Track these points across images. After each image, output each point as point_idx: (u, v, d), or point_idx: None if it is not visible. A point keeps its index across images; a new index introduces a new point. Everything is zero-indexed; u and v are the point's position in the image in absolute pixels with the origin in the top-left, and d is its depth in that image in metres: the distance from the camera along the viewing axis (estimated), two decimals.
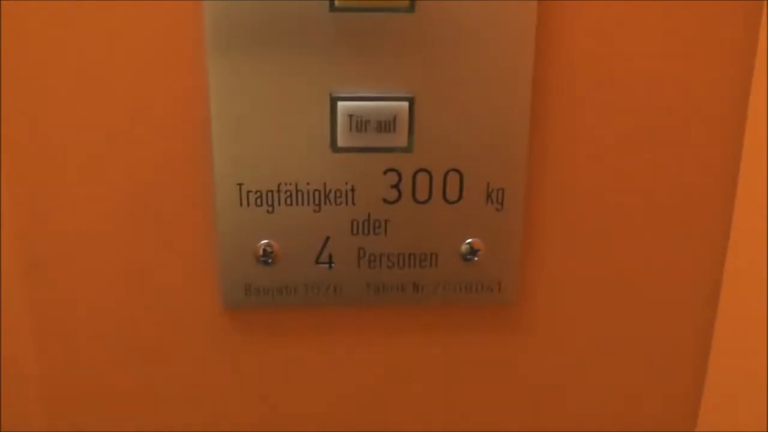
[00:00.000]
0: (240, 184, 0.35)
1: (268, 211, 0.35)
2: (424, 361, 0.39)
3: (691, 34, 0.34)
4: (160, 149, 0.35)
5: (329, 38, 0.33)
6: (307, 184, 0.35)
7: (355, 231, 0.36)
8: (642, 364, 0.40)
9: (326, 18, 0.33)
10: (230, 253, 0.36)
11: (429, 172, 0.35)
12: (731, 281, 0.38)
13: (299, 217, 0.35)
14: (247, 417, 0.40)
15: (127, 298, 0.37)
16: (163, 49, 0.33)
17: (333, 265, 0.36)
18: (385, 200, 0.35)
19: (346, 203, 0.35)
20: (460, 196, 0.35)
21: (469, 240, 0.36)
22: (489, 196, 0.36)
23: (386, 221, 0.36)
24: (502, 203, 0.36)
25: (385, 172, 0.35)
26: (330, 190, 0.35)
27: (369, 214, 0.36)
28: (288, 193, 0.35)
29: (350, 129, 0.34)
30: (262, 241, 0.36)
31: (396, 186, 0.35)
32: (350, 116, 0.34)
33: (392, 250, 0.36)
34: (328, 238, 0.36)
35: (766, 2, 0.34)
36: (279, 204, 0.35)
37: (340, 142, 0.34)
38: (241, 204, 0.35)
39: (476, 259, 0.36)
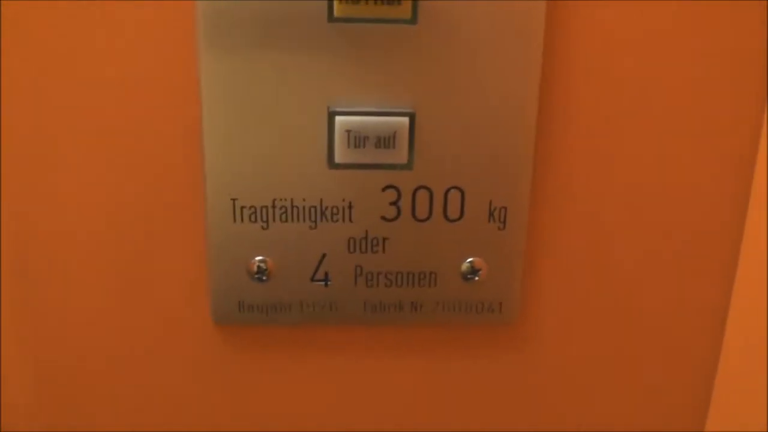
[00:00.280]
0: (234, 200, 0.34)
1: (262, 227, 0.34)
2: (422, 382, 0.38)
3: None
4: (151, 162, 0.34)
5: (327, 50, 0.32)
6: (303, 200, 0.34)
7: (352, 249, 0.35)
8: (645, 384, 0.39)
9: (324, 29, 0.31)
10: (223, 269, 0.35)
11: (429, 190, 0.34)
12: (742, 286, 0.37)
13: (295, 234, 0.34)
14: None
15: (117, 313, 0.36)
16: (154, 59, 0.32)
17: (329, 283, 0.35)
18: (383, 218, 0.34)
19: (344, 220, 0.34)
20: (462, 215, 0.34)
21: (470, 259, 0.35)
22: (491, 214, 0.34)
23: (385, 239, 0.35)
24: (504, 222, 0.34)
25: (383, 189, 0.34)
26: (327, 207, 0.34)
27: (367, 232, 0.34)
28: (283, 209, 0.34)
29: (348, 145, 0.33)
30: (256, 258, 0.35)
31: (395, 203, 0.34)
32: (348, 132, 0.32)
33: (390, 268, 0.35)
34: (324, 256, 0.35)
35: None
36: (274, 220, 0.34)
37: (338, 158, 0.33)
38: (234, 220, 0.34)
39: (477, 278, 0.35)
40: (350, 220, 0.34)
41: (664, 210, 0.36)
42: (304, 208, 0.34)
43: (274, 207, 0.34)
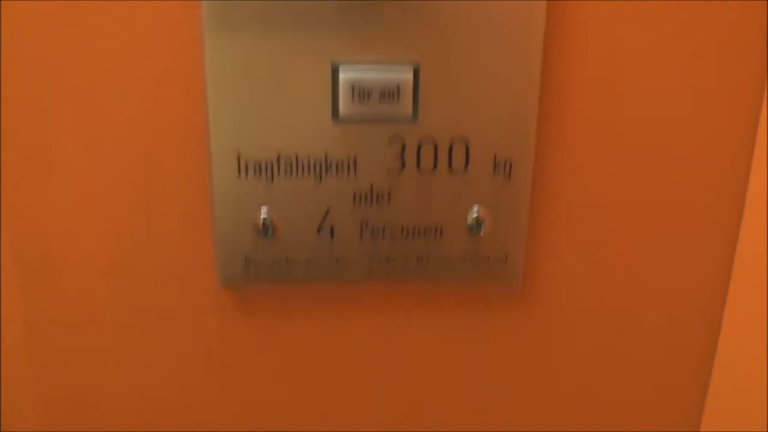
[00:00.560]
0: (238, 154, 0.33)
1: (267, 182, 0.34)
2: (427, 336, 0.38)
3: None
4: (155, 119, 0.34)
5: (331, 3, 0.31)
6: (308, 154, 0.34)
7: (357, 202, 0.35)
8: (649, 340, 0.39)
9: None
10: (228, 225, 0.35)
11: (434, 142, 0.34)
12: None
13: (299, 188, 0.34)
14: (248, 393, 0.39)
15: (122, 275, 0.36)
16: (158, 13, 0.32)
17: (335, 237, 0.35)
18: (388, 171, 0.34)
19: (348, 174, 0.34)
20: (467, 167, 0.34)
21: (475, 212, 0.35)
22: (496, 166, 0.34)
23: (389, 192, 0.34)
24: (509, 174, 0.34)
25: (388, 142, 0.34)
26: (331, 161, 0.34)
27: (372, 186, 0.34)
28: (288, 164, 0.34)
29: (352, 98, 0.32)
30: (262, 213, 0.34)
31: (400, 156, 0.34)
32: (352, 85, 0.32)
33: (396, 222, 0.35)
34: (329, 210, 0.35)
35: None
36: (278, 175, 0.34)
37: (342, 112, 0.33)
38: (239, 175, 0.34)
39: (482, 231, 0.35)
40: (355, 173, 0.34)
41: (671, 160, 0.35)
42: (308, 162, 0.34)
43: (278, 161, 0.34)
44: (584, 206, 0.36)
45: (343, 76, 0.32)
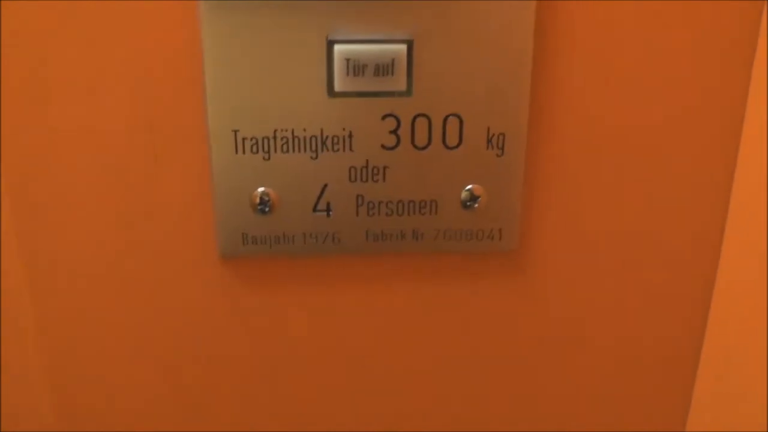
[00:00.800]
0: (235, 131, 0.34)
1: (264, 159, 0.34)
2: (424, 310, 0.39)
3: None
4: (151, 96, 0.34)
5: None
6: (304, 130, 0.34)
7: (353, 178, 0.35)
8: (637, 319, 0.40)
9: None
10: (226, 201, 0.35)
11: (428, 117, 0.34)
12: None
13: (296, 165, 0.35)
14: (246, 366, 0.39)
15: (122, 249, 0.37)
16: None
17: (331, 213, 0.36)
18: (383, 146, 0.35)
19: (344, 149, 0.35)
20: (460, 142, 0.35)
21: (469, 186, 0.36)
22: (489, 141, 0.35)
23: (385, 168, 0.35)
24: (502, 149, 0.35)
25: (383, 118, 0.34)
26: (327, 136, 0.34)
27: (367, 161, 0.35)
28: (284, 140, 0.34)
29: (347, 73, 0.33)
30: (259, 189, 0.35)
31: (395, 131, 0.34)
32: (347, 60, 0.33)
33: (391, 197, 0.36)
34: (325, 186, 0.35)
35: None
36: (275, 151, 0.34)
37: (337, 87, 0.33)
38: (236, 151, 0.34)
39: (477, 206, 0.36)
40: (350, 149, 0.35)
41: (663, 136, 0.36)
42: (304, 138, 0.34)
43: (275, 137, 0.34)
44: (576, 181, 0.37)
45: (338, 50, 0.33)
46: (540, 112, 0.35)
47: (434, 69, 0.33)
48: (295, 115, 0.34)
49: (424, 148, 0.35)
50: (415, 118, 0.34)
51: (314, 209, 0.36)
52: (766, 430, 0.36)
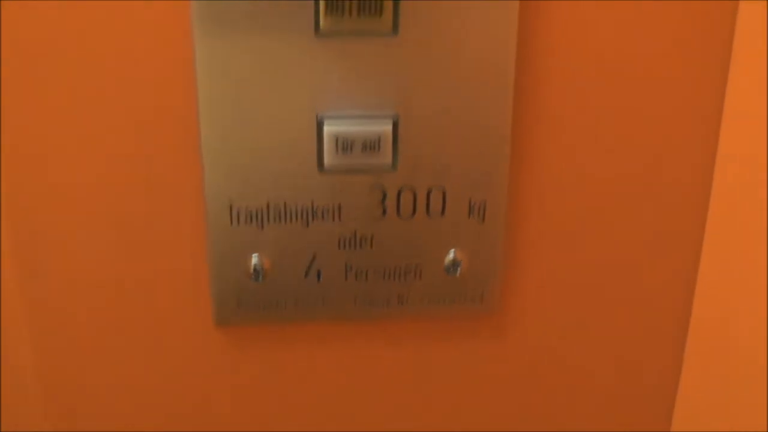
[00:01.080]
0: (231, 203, 0.36)
1: (258, 229, 0.36)
2: (409, 370, 0.40)
3: (666, 34, 0.35)
4: (151, 170, 0.36)
5: (315, 62, 0.34)
6: (296, 202, 0.36)
7: (342, 246, 0.37)
8: (619, 367, 0.42)
9: (312, 42, 0.34)
10: (222, 269, 0.37)
11: (413, 189, 0.36)
12: (705, 283, 0.40)
13: (288, 234, 0.37)
14: (240, 428, 0.41)
15: (120, 315, 0.38)
16: (151, 65, 0.34)
17: (321, 279, 0.37)
18: (370, 217, 0.37)
19: (333, 220, 0.36)
20: (443, 211, 0.37)
21: (452, 253, 0.37)
22: (471, 209, 0.37)
23: (372, 236, 0.37)
24: (483, 217, 0.37)
25: (370, 190, 0.36)
26: (318, 208, 0.36)
27: (355, 231, 0.37)
28: (277, 212, 0.36)
29: (336, 150, 0.35)
30: (253, 258, 0.37)
31: (381, 203, 0.36)
32: (336, 138, 0.35)
33: (378, 264, 0.37)
34: (315, 254, 0.37)
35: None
36: (268, 221, 0.36)
37: (327, 163, 0.35)
38: (231, 222, 0.36)
39: (459, 270, 0.38)
40: (339, 219, 0.36)
41: (638, 197, 0.38)
42: (296, 209, 0.36)
43: (268, 209, 0.36)
44: (556, 240, 0.39)
45: (327, 129, 0.35)
46: (519, 181, 0.37)
47: (418, 144, 0.35)
48: (288, 189, 0.36)
49: (409, 217, 0.37)
50: (400, 190, 0.36)
51: (305, 275, 0.37)
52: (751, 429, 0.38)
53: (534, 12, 0.35)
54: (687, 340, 0.41)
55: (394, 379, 0.41)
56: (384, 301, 0.38)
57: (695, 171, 0.38)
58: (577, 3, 0.35)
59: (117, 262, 0.37)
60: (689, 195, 0.38)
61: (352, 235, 0.37)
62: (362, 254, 0.37)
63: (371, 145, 0.35)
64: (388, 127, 0.35)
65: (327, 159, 0.35)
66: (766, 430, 0.36)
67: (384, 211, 0.37)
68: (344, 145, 0.35)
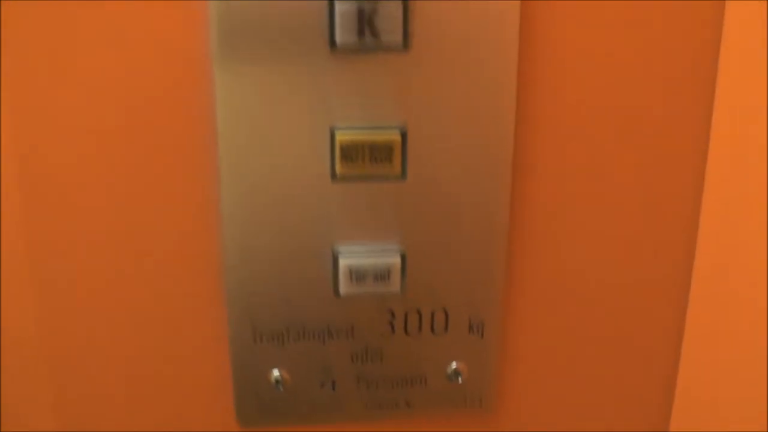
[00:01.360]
0: (253, 325, 0.40)
1: (278, 347, 0.40)
2: None
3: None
4: (178, 298, 0.40)
5: (331, 203, 0.38)
6: (313, 324, 0.40)
7: (354, 360, 0.41)
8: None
9: (328, 187, 0.38)
10: (244, 381, 0.41)
11: (419, 311, 0.40)
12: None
13: (306, 351, 0.40)
14: None
15: (148, 420, 0.42)
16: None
17: (336, 389, 0.41)
18: (381, 334, 0.41)
19: (347, 338, 0.40)
20: (446, 329, 0.41)
21: (453, 364, 0.41)
22: (471, 327, 0.41)
23: (382, 351, 0.41)
24: (482, 333, 0.41)
25: (380, 312, 0.40)
26: (333, 328, 0.40)
27: (367, 346, 0.41)
28: (296, 332, 0.40)
29: (351, 280, 0.39)
30: (274, 371, 0.41)
31: (390, 323, 0.40)
32: (350, 270, 0.39)
33: (387, 374, 0.41)
34: (331, 367, 0.41)
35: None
36: (288, 340, 0.40)
37: (342, 291, 0.39)
38: (254, 341, 0.40)
39: (460, 380, 0.42)
40: (353, 337, 0.40)
41: (618, 308, 0.42)
42: (314, 330, 0.40)
43: (288, 331, 0.40)
44: (549, 354, 0.43)
45: (342, 262, 0.39)
46: (514, 303, 0.41)
47: (423, 273, 0.39)
48: (306, 313, 0.40)
49: (415, 335, 0.41)
50: (407, 312, 0.40)
51: (321, 386, 0.41)
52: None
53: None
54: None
55: None
56: (392, 406, 0.42)
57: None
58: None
59: (143, 376, 0.41)
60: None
61: (363, 350, 0.41)
62: (373, 367, 0.41)
63: (382, 276, 0.39)
64: (396, 260, 0.39)
65: (342, 288, 0.39)
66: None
67: (393, 330, 0.40)
68: (358, 275, 0.39)
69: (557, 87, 0.38)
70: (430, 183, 0.38)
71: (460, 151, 0.38)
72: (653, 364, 0.44)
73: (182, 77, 0.36)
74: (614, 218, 0.41)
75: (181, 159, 0.38)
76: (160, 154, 0.37)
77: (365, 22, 0.36)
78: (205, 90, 0.37)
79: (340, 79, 0.36)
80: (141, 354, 0.41)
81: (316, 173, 0.37)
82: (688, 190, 0.40)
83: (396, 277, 0.39)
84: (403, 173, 0.38)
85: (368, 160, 0.37)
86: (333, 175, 0.37)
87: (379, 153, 0.37)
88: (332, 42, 0.36)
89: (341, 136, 0.37)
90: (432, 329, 0.41)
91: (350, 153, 0.37)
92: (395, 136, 0.37)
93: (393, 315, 0.40)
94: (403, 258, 0.39)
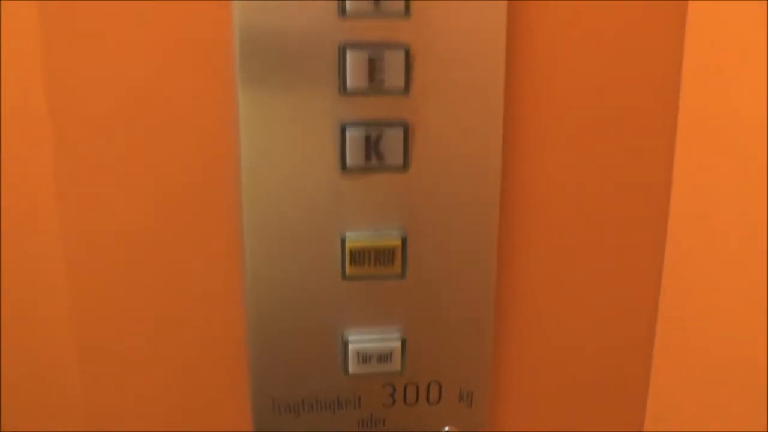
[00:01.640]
0: (274, 399, 0.46)
1: (295, 416, 0.46)
2: None
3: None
4: (204, 371, 0.46)
5: (342, 300, 0.44)
6: (326, 398, 0.46)
7: (361, 426, 0.47)
8: None
9: (339, 285, 0.44)
10: None
11: (416, 384, 0.47)
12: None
13: (319, 419, 0.47)
14: None
15: None
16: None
17: None
18: (383, 405, 0.47)
19: (355, 408, 0.47)
20: (439, 400, 0.47)
21: (446, 428, 0.48)
22: (461, 397, 0.47)
23: (384, 419, 0.47)
24: (471, 402, 0.47)
25: (383, 387, 0.46)
26: (341, 401, 0.46)
27: (371, 414, 0.47)
28: (310, 405, 0.46)
29: (358, 361, 0.45)
30: None
31: (392, 395, 0.47)
32: (358, 353, 0.45)
33: None
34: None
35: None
36: (303, 411, 0.46)
37: (351, 371, 0.45)
38: (274, 412, 0.46)
39: None
40: (359, 407, 0.47)
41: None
42: (326, 403, 0.46)
43: (303, 404, 0.46)
44: (531, 420, 0.49)
45: (351, 347, 0.45)
46: (501, 375, 0.48)
47: (421, 354, 0.46)
48: (318, 389, 0.46)
49: (413, 404, 0.47)
50: (406, 385, 0.46)
51: None
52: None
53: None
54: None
55: None
56: None
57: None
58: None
59: None
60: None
61: (369, 418, 0.47)
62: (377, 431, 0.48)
63: (385, 357, 0.45)
64: (398, 344, 0.45)
65: (351, 368, 0.45)
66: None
67: (394, 401, 0.47)
68: (364, 357, 0.45)
69: (540, 207, 0.44)
70: (426, 279, 0.44)
71: (451, 250, 0.44)
72: (625, 414, 0.50)
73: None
74: (591, 288, 0.47)
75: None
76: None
77: (372, 148, 0.42)
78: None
79: (349, 194, 0.43)
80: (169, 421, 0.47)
81: (328, 274, 0.44)
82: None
83: (397, 358, 0.45)
84: (403, 273, 0.44)
85: (373, 263, 0.44)
86: (343, 275, 0.44)
87: (382, 256, 0.43)
88: (343, 164, 0.42)
89: (351, 243, 0.43)
90: (427, 399, 0.47)
91: (358, 257, 0.43)
92: (396, 242, 0.43)
93: (394, 389, 0.47)
94: (403, 342, 0.45)
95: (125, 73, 0.40)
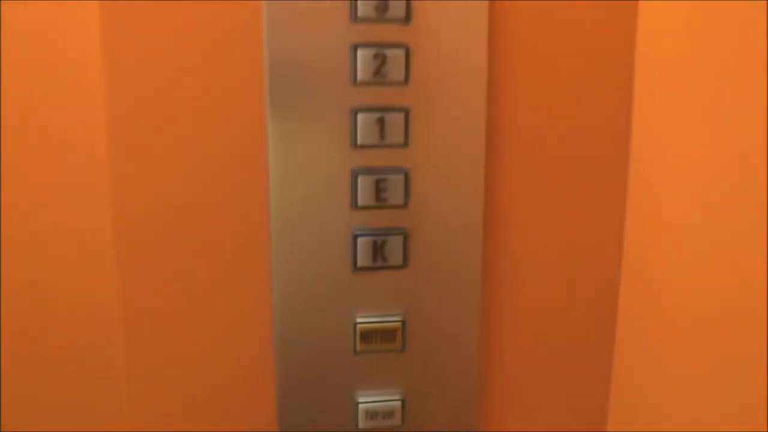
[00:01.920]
0: None
1: None
2: None
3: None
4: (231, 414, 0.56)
5: (354, 375, 0.55)
6: None
7: None
8: None
9: (350, 357, 0.54)
10: None
11: None
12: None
13: None
14: None
15: None
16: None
17: None
18: None
19: None
20: None
21: None
22: None
23: None
24: None
25: None
26: None
27: None
28: None
29: (366, 417, 0.56)
30: None
31: None
32: (367, 411, 0.56)
33: None
34: None
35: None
36: None
37: (360, 425, 0.56)
38: None
39: None
40: None
41: None
42: None
43: None
44: None
45: (361, 407, 0.55)
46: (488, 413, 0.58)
47: (417, 411, 0.56)
48: None
49: None
50: None
51: None
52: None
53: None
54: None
55: None
56: None
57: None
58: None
59: None
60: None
61: None
62: None
63: (388, 414, 0.56)
64: (398, 404, 0.56)
65: (360, 423, 0.56)
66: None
67: None
68: (371, 415, 0.56)
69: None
70: (422, 354, 0.55)
71: (442, 333, 0.54)
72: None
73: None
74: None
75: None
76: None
77: (378, 251, 0.52)
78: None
79: (359, 289, 0.53)
80: None
81: (341, 352, 0.54)
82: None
83: (398, 414, 0.56)
84: (403, 347, 0.54)
85: (379, 341, 0.54)
86: (354, 351, 0.54)
87: (386, 335, 0.54)
88: (354, 265, 0.52)
89: (361, 327, 0.53)
90: None
91: (367, 337, 0.54)
92: (397, 325, 0.54)
93: None
94: (403, 402, 0.56)
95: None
